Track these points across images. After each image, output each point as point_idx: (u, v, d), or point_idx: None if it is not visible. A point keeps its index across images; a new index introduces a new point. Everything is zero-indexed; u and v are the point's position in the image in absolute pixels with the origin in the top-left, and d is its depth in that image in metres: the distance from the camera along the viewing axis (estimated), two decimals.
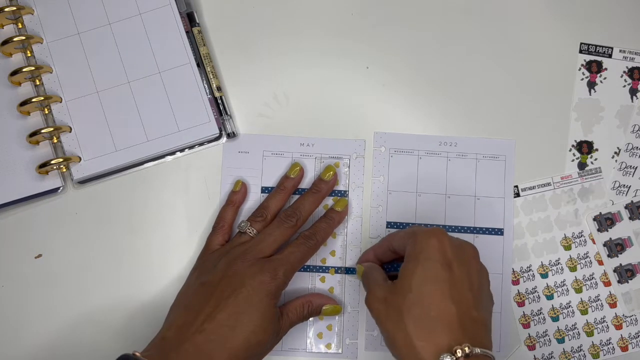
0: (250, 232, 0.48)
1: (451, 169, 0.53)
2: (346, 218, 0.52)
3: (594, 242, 0.53)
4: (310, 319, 0.50)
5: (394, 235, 0.47)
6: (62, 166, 0.51)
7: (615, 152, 0.54)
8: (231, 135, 0.52)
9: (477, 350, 0.38)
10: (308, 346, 0.51)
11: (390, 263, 0.50)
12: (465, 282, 0.41)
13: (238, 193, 0.51)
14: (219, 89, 0.53)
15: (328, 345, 0.51)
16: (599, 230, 0.53)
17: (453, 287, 0.41)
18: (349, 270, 0.51)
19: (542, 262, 0.52)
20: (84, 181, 0.52)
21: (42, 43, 0.52)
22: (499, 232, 0.52)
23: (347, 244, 0.52)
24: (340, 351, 0.51)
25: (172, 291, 0.51)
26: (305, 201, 0.49)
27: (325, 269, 0.51)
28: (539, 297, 0.52)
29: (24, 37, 0.51)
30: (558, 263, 0.52)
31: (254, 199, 0.52)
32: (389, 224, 0.52)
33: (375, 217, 0.52)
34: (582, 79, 0.54)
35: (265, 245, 0.47)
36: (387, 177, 0.53)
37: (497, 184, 0.53)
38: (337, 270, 0.51)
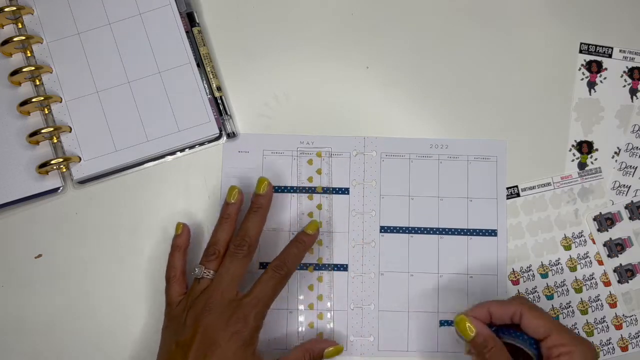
0: (207, 275, 0.46)
1: (443, 171, 0.53)
2: (347, 216, 0.52)
3: (594, 242, 0.53)
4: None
5: (533, 315, 0.43)
6: (62, 166, 0.51)
7: (615, 152, 0.54)
8: (231, 135, 0.52)
9: None
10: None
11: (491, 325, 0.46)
12: None
13: (181, 236, 0.49)
14: (219, 89, 0.53)
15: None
16: (599, 230, 0.53)
17: None
18: (336, 267, 0.52)
19: (542, 262, 0.52)
20: (84, 181, 0.52)
21: (42, 43, 0.52)
22: (492, 233, 0.52)
23: (348, 241, 0.52)
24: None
25: None
26: (250, 223, 0.47)
27: (322, 267, 0.52)
28: (539, 297, 0.52)
29: (24, 37, 0.51)
30: (558, 263, 0.52)
31: None
32: (382, 229, 0.52)
33: (369, 222, 0.52)
34: (582, 79, 0.54)
35: (226, 285, 0.45)
36: (379, 182, 0.53)
37: (490, 185, 0.53)
38: (323, 267, 0.52)
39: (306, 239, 0.48)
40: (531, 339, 0.43)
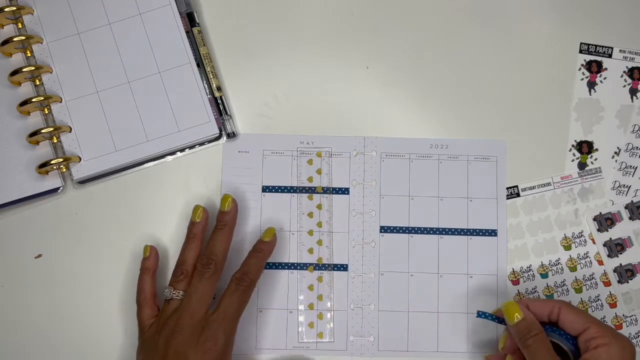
0: (177, 296, 0.46)
1: (443, 171, 0.53)
2: (347, 216, 0.52)
3: (594, 242, 0.53)
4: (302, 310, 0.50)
5: (570, 311, 0.44)
6: (62, 166, 0.51)
7: (615, 152, 0.54)
8: (231, 135, 0.52)
9: None
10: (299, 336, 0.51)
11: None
12: None
13: (149, 259, 0.49)
14: (219, 89, 0.53)
15: (320, 335, 0.51)
16: (599, 230, 0.53)
17: None
18: (336, 267, 0.52)
19: (542, 262, 0.52)
20: (84, 181, 0.52)
21: (42, 43, 0.52)
22: (492, 233, 0.52)
23: (349, 240, 0.52)
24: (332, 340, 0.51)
25: None
26: (216, 241, 0.47)
27: (323, 267, 0.52)
28: (539, 297, 0.52)
29: (24, 37, 0.51)
30: (558, 263, 0.52)
31: (255, 198, 0.52)
32: (382, 229, 0.52)
33: (369, 222, 0.52)
34: (582, 79, 0.54)
35: (195, 305, 0.45)
36: (379, 182, 0.53)
37: (489, 185, 0.53)
38: (323, 267, 0.52)
39: (264, 247, 0.48)
40: (568, 335, 0.43)
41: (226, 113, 0.53)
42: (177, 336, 0.44)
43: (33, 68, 0.51)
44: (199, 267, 0.46)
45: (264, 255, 0.48)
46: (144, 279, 0.49)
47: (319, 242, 0.52)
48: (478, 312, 0.47)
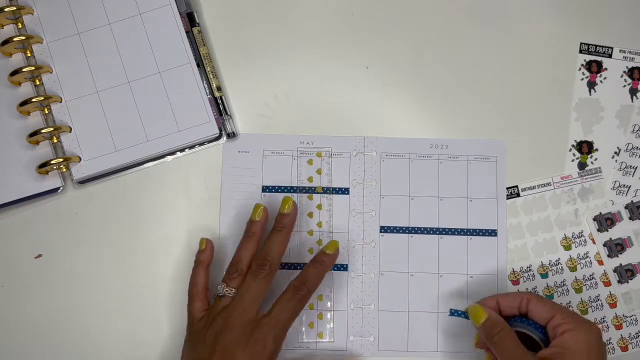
0: (229, 294, 0.46)
1: (443, 171, 0.53)
2: (347, 216, 0.52)
3: (594, 242, 0.53)
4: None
5: (538, 301, 0.45)
6: (62, 166, 0.51)
7: (615, 152, 0.54)
8: (231, 135, 0.52)
9: None
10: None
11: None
12: None
13: (204, 252, 0.49)
14: (219, 89, 0.53)
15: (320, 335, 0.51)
16: (599, 230, 0.53)
17: None
18: (336, 267, 0.52)
19: (542, 262, 0.52)
20: (84, 181, 0.52)
21: (42, 43, 0.52)
22: (492, 233, 0.52)
23: (348, 240, 0.52)
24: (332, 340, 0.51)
25: (172, 291, 0.51)
26: (273, 242, 0.47)
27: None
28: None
29: (24, 37, 0.51)
30: (558, 263, 0.52)
31: (255, 198, 0.52)
32: (382, 229, 0.52)
33: (369, 222, 0.52)
34: (582, 79, 0.54)
35: (247, 304, 0.45)
36: (379, 182, 0.53)
37: (489, 185, 0.53)
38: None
39: (326, 259, 0.48)
40: (537, 324, 0.44)
41: (226, 113, 0.53)
42: (226, 334, 0.44)
43: (33, 68, 0.51)
44: (254, 267, 0.46)
45: (324, 268, 0.47)
46: (198, 271, 0.48)
47: (319, 242, 0.52)
48: (450, 310, 0.49)
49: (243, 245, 0.48)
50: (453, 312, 0.49)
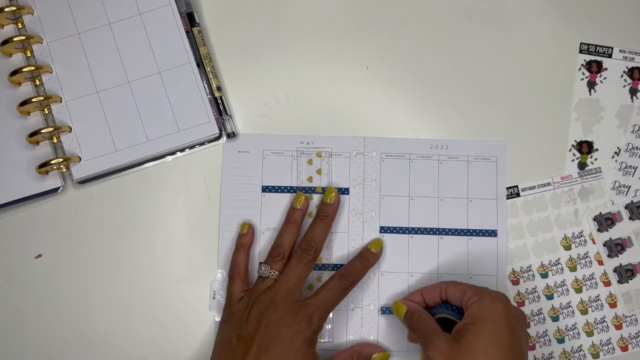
0: (272, 275, 0.47)
1: (443, 171, 0.53)
2: (347, 216, 0.52)
3: (594, 242, 0.53)
4: None
5: (452, 286, 0.47)
6: (62, 166, 0.51)
7: (615, 152, 0.54)
8: (231, 135, 0.52)
9: None
10: None
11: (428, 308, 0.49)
12: (522, 348, 0.43)
13: (246, 235, 0.51)
14: (219, 89, 0.53)
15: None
16: (599, 230, 0.53)
17: (514, 353, 0.42)
18: (336, 267, 0.52)
19: (542, 262, 0.52)
20: (84, 181, 0.52)
21: (42, 43, 0.52)
22: (492, 233, 0.52)
23: (349, 242, 0.52)
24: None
25: (172, 291, 0.51)
26: (317, 230, 0.49)
27: (322, 267, 0.52)
28: (539, 297, 0.52)
29: (24, 37, 0.51)
30: (558, 263, 0.52)
31: (255, 198, 0.52)
32: (382, 229, 0.52)
33: (369, 222, 0.52)
34: (582, 79, 0.54)
35: (292, 285, 0.46)
36: (379, 182, 0.53)
37: (489, 185, 0.53)
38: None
39: (370, 256, 0.50)
40: (454, 307, 0.46)
41: (226, 113, 0.53)
42: (271, 312, 0.45)
43: (33, 68, 0.51)
44: (298, 251, 0.48)
45: (367, 264, 0.50)
46: (239, 254, 0.50)
47: None
48: (381, 308, 0.51)
49: (285, 231, 0.50)
50: (384, 311, 0.50)
